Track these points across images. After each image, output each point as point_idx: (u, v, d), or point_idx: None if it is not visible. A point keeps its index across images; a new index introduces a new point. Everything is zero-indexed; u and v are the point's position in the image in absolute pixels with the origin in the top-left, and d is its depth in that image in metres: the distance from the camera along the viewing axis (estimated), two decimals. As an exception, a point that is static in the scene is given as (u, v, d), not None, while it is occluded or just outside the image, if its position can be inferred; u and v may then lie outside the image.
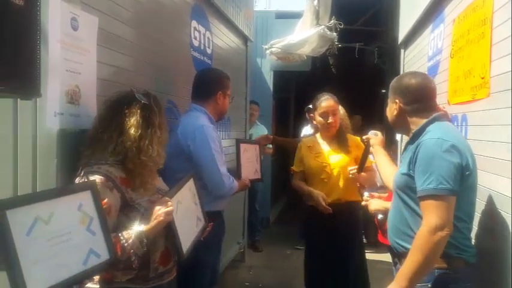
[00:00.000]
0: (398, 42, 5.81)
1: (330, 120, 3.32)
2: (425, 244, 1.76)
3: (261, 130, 6.14)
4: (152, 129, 1.89)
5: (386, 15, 7.46)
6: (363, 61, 8.33)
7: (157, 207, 1.80)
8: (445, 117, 2.09)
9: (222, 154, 2.71)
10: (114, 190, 1.78)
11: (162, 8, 2.94)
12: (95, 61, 2.09)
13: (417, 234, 1.81)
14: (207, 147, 2.55)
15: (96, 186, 1.63)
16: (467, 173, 1.84)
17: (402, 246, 1.99)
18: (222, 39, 4.40)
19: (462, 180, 1.82)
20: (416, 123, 2.02)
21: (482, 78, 2.42)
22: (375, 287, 3.54)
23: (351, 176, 3.18)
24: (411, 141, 2.01)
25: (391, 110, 2.12)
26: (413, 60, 5.00)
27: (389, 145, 6.86)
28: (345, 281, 3.26)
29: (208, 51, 3.90)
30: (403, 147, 2.13)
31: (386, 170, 2.43)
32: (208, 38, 3.90)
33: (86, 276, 1.53)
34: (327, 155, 3.36)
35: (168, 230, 1.89)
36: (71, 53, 1.91)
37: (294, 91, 10.34)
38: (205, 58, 3.79)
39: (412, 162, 1.90)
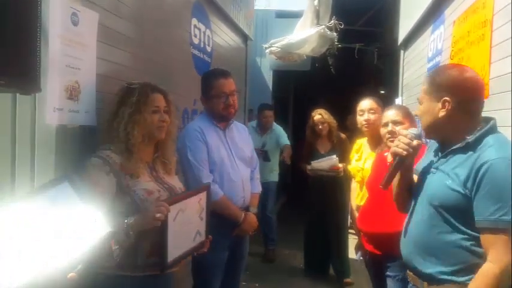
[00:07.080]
0: (398, 43, 5.82)
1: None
2: (496, 286, 1.51)
3: (278, 130, 5.57)
4: (124, 108, 1.95)
5: (387, 16, 7.46)
6: (362, 62, 8.33)
7: (152, 209, 1.81)
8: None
9: (204, 155, 2.52)
10: (111, 174, 1.85)
11: (162, 4, 2.94)
12: (94, 57, 2.08)
13: (485, 272, 1.53)
14: (184, 151, 2.48)
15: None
16: None
17: (426, 267, 1.70)
18: (222, 37, 4.40)
19: None
20: (470, 129, 1.65)
21: (482, 79, 2.43)
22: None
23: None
24: (462, 151, 1.65)
25: (434, 111, 1.69)
26: (413, 61, 5.00)
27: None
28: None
29: (208, 49, 3.90)
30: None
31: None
32: (208, 36, 3.89)
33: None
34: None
35: (159, 233, 1.87)
36: (71, 49, 1.90)
37: (293, 91, 10.34)
38: (205, 56, 3.79)
39: (471, 181, 1.57)
